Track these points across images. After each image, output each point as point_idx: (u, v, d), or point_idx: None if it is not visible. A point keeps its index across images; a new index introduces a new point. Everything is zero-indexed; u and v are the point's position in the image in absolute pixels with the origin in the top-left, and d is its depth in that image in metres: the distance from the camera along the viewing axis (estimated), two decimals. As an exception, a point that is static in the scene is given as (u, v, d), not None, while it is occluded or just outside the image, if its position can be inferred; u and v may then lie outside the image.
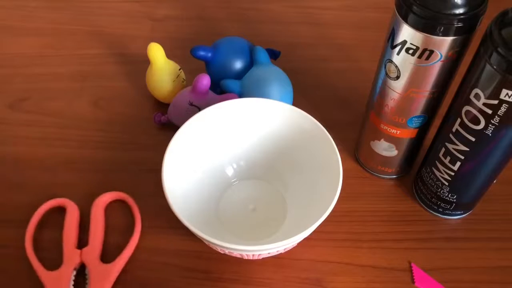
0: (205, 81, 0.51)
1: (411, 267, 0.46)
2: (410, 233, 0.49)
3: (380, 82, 0.44)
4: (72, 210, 0.47)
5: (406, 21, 0.38)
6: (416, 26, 0.37)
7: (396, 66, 0.41)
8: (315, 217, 0.39)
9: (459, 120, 0.40)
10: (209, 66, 0.57)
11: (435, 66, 0.40)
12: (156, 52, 0.54)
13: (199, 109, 0.47)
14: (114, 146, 0.55)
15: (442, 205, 0.48)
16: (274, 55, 0.59)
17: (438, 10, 0.36)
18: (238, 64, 0.55)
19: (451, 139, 0.42)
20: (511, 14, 0.35)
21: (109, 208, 0.49)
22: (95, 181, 0.52)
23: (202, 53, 0.55)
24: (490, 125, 0.38)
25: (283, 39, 0.66)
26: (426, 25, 0.37)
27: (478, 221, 0.49)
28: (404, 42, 0.39)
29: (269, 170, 0.50)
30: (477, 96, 0.37)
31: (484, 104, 0.37)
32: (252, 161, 0.50)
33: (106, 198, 0.49)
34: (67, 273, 0.44)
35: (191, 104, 0.52)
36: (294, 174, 0.49)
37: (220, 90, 0.55)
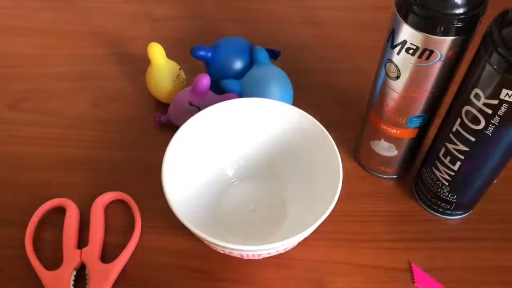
0: (205, 81, 0.51)
1: (411, 267, 0.46)
2: (410, 233, 0.49)
3: (380, 82, 0.44)
4: (72, 210, 0.47)
5: (406, 21, 0.38)
6: (416, 26, 0.37)
7: (396, 66, 0.41)
8: (315, 217, 0.39)
9: (459, 120, 0.40)
10: (209, 66, 0.57)
11: (435, 66, 0.40)
12: (156, 52, 0.54)
13: (199, 109, 0.47)
14: (114, 146, 0.55)
15: (442, 205, 0.48)
16: (274, 55, 0.59)
17: (438, 10, 0.36)
18: (238, 64, 0.55)
19: (451, 139, 0.42)
20: (511, 14, 0.35)
21: (109, 208, 0.49)
22: (95, 181, 0.52)
23: (202, 53, 0.55)
24: (490, 125, 0.38)
25: (283, 39, 0.66)
26: (426, 25, 0.37)
27: (478, 221, 0.49)
28: (404, 42, 0.39)
29: (269, 170, 0.50)
30: (477, 96, 0.37)
31: (484, 104, 0.37)
32: (252, 161, 0.50)
33: (106, 198, 0.49)
34: (67, 273, 0.44)
35: (191, 104, 0.52)
36: (294, 174, 0.49)
37: (220, 90, 0.55)
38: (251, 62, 0.56)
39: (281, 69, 0.55)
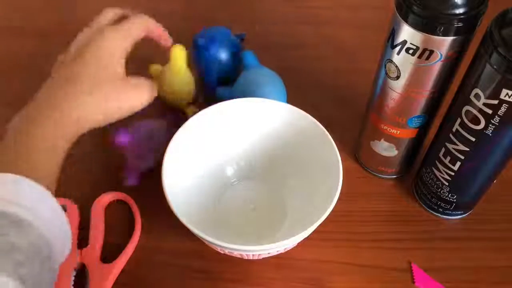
0: (121, 138, 0.48)
1: (411, 267, 0.46)
2: (410, 233, 0.49)
3: (380, 82, 0.44)
4: (72, 210, 0.47)
5: (406, 21, 0.38)
6: (416, 26, 0.37)
7: (396, 66, 0.41)
8: (315, 217, 0.39)
9: (459, 120, 0.40)
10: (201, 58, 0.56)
11: (435, 66, 0.40)
12: (181, 55, 0.52)
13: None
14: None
15: (442, 205, 0.48)
16: (239, 36, 0.59)
17: (438, 10, 0.36)
18: (227, 55, 0.56)
19: (451, 139, 0.42)
20: (511, 14, 0.35)
21: (109, 208, 0.49)
22: (95, 181, 0.52)
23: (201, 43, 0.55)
24: (490, 125, 0.38)
25: (283, 39, 0.66)
26: (426, 25, 0.37)
27: (478, 221, 0.49)
28: (404, 42, 0.39)
29: (269, 170, 0.50)
30: (477, 96, 0.37)
31: (484, 104, 0.37)
32: (252, 161, 0.50)
33: (106, 198, 0.49)
34: (67, 273, 0.44)
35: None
36: (294, 174, 0.49)
37: (217, 97, 0.55)
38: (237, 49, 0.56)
39: (271, 70, 0.54)
